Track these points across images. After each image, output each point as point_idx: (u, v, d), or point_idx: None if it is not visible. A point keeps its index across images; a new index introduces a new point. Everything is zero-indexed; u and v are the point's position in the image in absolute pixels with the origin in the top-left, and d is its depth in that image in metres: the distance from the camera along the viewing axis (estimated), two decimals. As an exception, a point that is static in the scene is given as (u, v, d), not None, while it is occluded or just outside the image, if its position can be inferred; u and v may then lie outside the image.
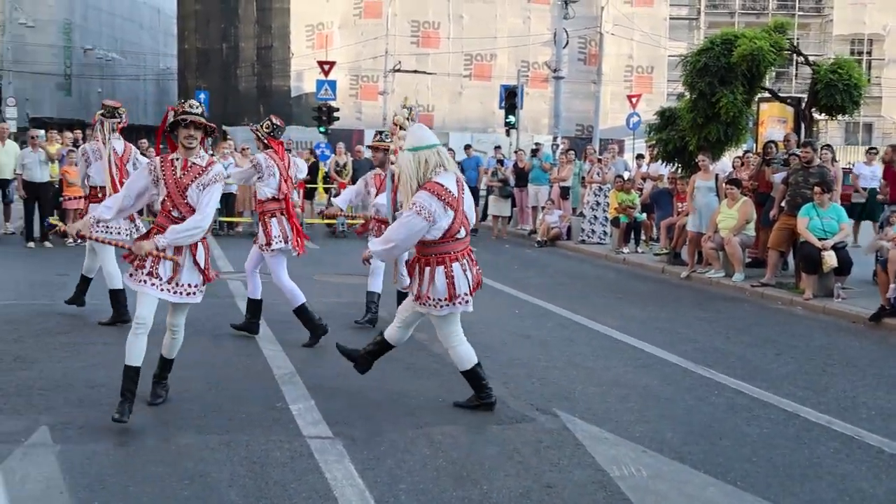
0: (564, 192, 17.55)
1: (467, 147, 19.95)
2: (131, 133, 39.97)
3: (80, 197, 8.40)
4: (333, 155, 19.06)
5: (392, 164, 7.68)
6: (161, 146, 6.06)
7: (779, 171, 11.79)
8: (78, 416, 5.20)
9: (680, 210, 13.37)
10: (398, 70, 36.07)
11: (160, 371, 5.55)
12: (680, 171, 13.57)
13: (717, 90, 12.05)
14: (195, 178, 5.11)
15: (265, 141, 7.52)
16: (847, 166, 24.69)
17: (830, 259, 9.87)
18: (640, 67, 40.14)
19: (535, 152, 19.13)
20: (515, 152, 20.32)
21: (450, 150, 19.73)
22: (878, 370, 7.23)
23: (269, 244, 7.32)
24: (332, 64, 27.52)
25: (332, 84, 26.90)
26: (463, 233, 5.51)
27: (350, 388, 5.98)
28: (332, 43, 36.87)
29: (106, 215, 5.22)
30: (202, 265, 5.23)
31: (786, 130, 13.71)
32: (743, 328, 8.88)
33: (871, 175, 15.90)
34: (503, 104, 26.11)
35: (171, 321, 5.43)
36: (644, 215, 15.21)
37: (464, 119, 38.73)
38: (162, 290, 5.10)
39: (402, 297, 6.51)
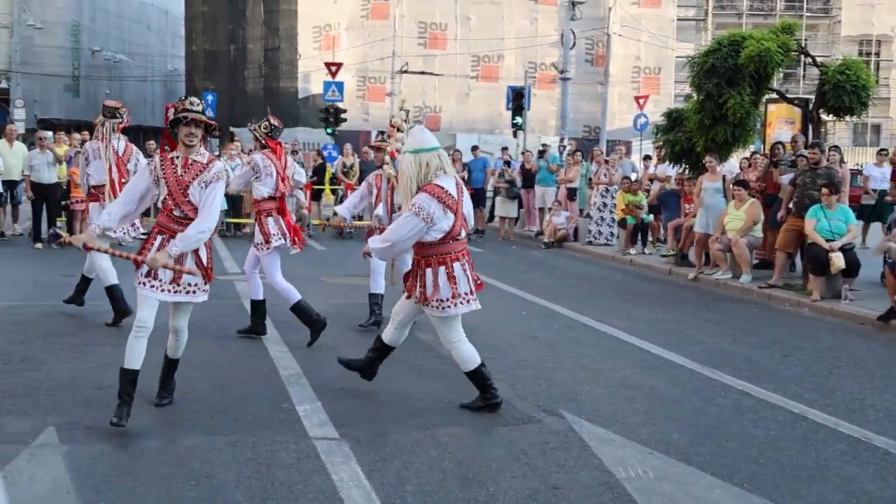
0: (571, 194, 17.53)
1: (474, 148, 19.95)
2: (139, 134, 40.16)
3: (82, 200, 8.45)
4: (340, 156, 19.09)
5: (386, 164, 7.72)
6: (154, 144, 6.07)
7: (786, 173, 11.76)
8: (85, 416, 5.21)
9: (687, 211, 13.35)
10: (405, 71, 36.08)
11: (166, 372, 5.52)
12: (687, 172, 13.55)
13: (725, 91, 12.02)
14: (196, 175, 5.07)
15: (263, 141, 7.57)
16: (855, 167, 24.63)
17: (838, 260, 9.84)
18: (647, 69, 40.09)
19: (541, 153, 19.12)
20: (522, 153, 20.32)
21: (456, 151, 19.88)
22: (886, 372, 7.20)
23: (267, 242, 7.33)
24: (339, 65, 27.59)
25: (340, 85, 26.96)
26: (463, 234, 5.57)
27: (356, 389, 5.98)
28: (339, 44, 36.93)
29: (110, 224, 5.17)
30: (205, 263, 5.19)
31: (793, 131, 13.67)
32: (750, 330, 8.86)
33: (882, 177, 15.87)
34: (510, 105, 26.13)
35: (174, 324, 5.35)
36: (651, 217, 15.18)
37: (471, 120, 38.74)
38: (162, 290, 5.06)
39: None
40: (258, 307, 7.64)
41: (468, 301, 5.52)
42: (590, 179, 17.05)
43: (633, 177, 16.28)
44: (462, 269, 5.50)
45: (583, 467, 4.66)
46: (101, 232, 5.17)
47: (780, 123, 15.22)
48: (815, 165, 10.74)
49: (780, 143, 12.84)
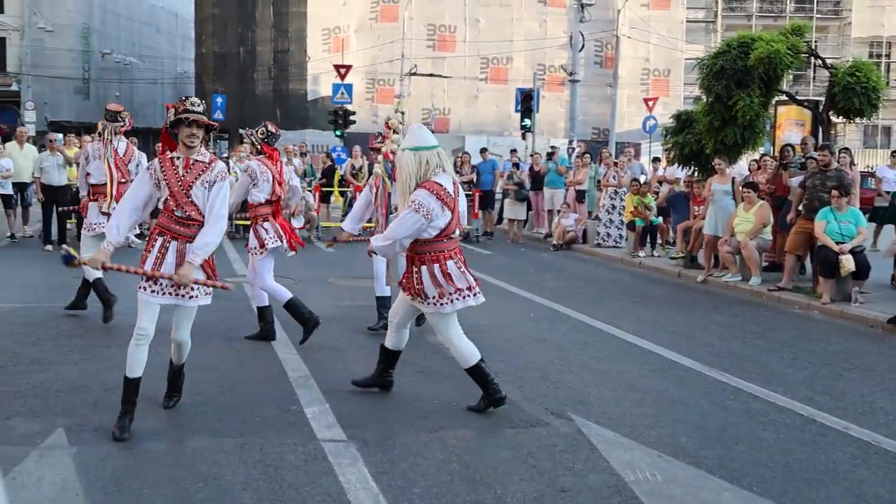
0: (580, 196, 17.51)
1: (483, 150, 19.95)
2: (148, 136, 40.27)
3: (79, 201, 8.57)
4: (349, 158, 19.11)
5: (377, 163, 7.73)
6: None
7: (796, 175, 11.72)
8: (93, 418, 5.23)
9: (696, 213, 13.31)
10: (414, 73, 36.10)
11: (173, 376, 5.49)
12: (696, 174, 13.51)
13: (734, 93, 11.98)
14: (199, 175, 5.01)
15: (259, 147, 7.58)
16: (866, 170, 24.54)
17: (848, 263, 9.80)
18: (656, 70, 40.06)
19: (550, 156, 19.10)
20: (531, 156, 20.32)
21: (465, 153, 19.88)
22: (896, 375, 7.17)
23: (262, 246, 7.35)
24: (348, 67, 27.62)
25: (349, 87, 27.00)
26: (457, 232, 5.61)
27: (364, 391, 5.98)
28: (348, 46, 36.98)
29: (120, 238, 5.04)
30: (208, 266, 5.11)
31: (803, 134, 13.62)
32: (759, 332, 8.82)
33: (895, 179, 15.79)
34: (519, 107, 26.12)
35: (177, 336, 5.24)
36: (660, 219, 15.15)
37: (480, 122, 38.77)
38: (165, 294, 4.99)
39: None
40: (265, 313, 7.66)
41: (465, 297, 5.53)
42: (598, 181, 17.03)
43: (643, 179, 16.25)
44: (456, 265, 5.52)
45: (591, 470, 4.65)
46: (113, 249, 5.01)
47: (790, 125, 15.16)
48: (824, 167, 10.70)
49: (789, 145, 12.79)
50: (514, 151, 20.26)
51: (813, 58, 13.74)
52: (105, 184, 8.23)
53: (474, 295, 5.59)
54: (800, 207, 11.03)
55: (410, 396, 5.93)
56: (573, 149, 22.61)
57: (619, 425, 5.42)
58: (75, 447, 4.73)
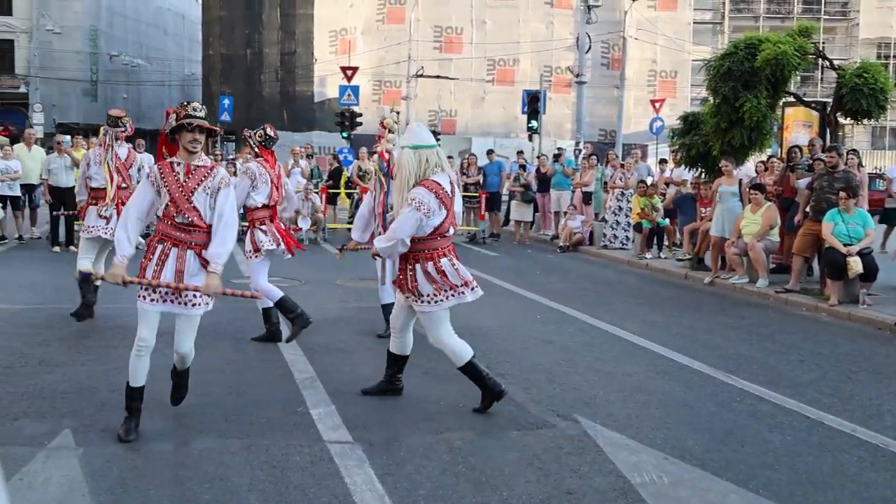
0: (587, 198, 17.50)
1: (490, 152, 19.94)
2: (155, 138, 40.50)
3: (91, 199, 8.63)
4: (356, 160, 19.13)
5: (372, 162, 7.74)
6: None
7: (803, 177, 11.69)
8: (100, 419, 5.24)
9: (703, 215, 13.29)
10: (421, 75, 36.15)
11: (178, 380, 5.36)
12: (703, 176, 13.49)
13: (741, 95, 11.96)
14: (201, 181, 4.94)
15: (256, 150, 7.60)
16: (874, 171, 24.45)
17: (856, 265, 9.77)
18: (663, 72, 40.02)
19: (557, 157, 19.08)
20: (538, 157, 20.30)
21: (472, 154, 19.88)
22: (904, 378, 7.13)
23: (257, 250, 7.37)
24: (354, 69, 27.66)
25: (355, 89, 27.04)
26: (451, 231, 5.63)
27: (370, 392, 5.99)
28: (355, 48, 37.05)
29: (131, 251, 4.91)
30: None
31: (811, 135, 13.59)
32: (766, 334, 8.80)
33: (906, 180, 15.76)
34: (526, 109, 26.12)
35: (180, 349, 5.09)
36: (667, 220, 15.13)
37: (486, 124, 38.77)
38: (165, 301, 4.91)
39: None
40: (270, 314, 7.67)
41: (460, 293, 5.55)
42: (605, 183, 17.02)
43: (649, 181, 16.25)
44: (450, 262, 5.54)
45: (597, 472, 4.64)
46: (127, 261, 4.91)
47: (798, 127, 15.15)
48: (832, 169, 10.67)
49: (797, 146, 12.76)
50: (520, 153, 20.25)
51: (820, 59, 13.71)
52: (105, 188, 8.28)
53: (471, 290, 5.59)
54: (807, 209, 11.00)
55: (416, 398, 5.93)
56: (580, 150, 22.58)
57: (626, 427, 5.41)
58: (82, 448, 4.75)
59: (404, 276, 5.57)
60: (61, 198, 14.36)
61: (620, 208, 16.02)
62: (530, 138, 26.49)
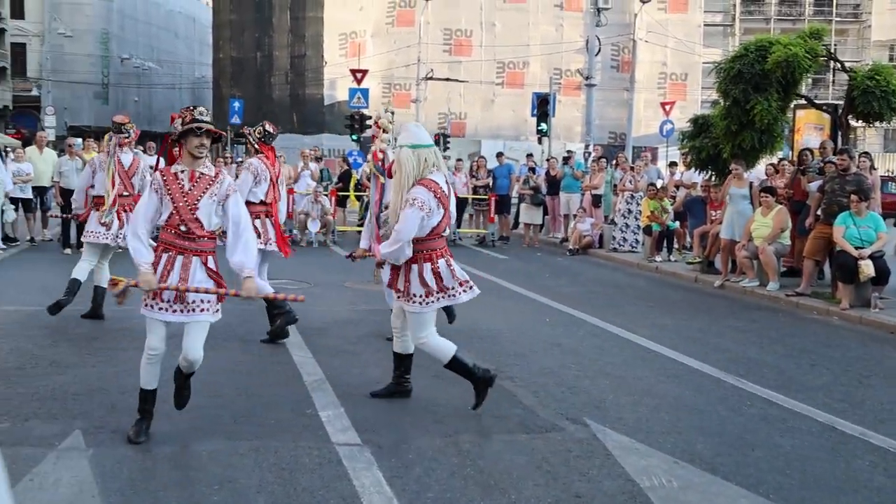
0: (596, 200, 17.46)
1: (499, 155, 19.94)
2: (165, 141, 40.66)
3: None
4: (366, 162, 19.12)
5: (367, 162, 7.77)
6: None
7: (814, 180, 11.64)
8: (110, 420, 5.25)
9: (713, 218, 13.24)
10: (430, 78, 36.19)
11: (180, 387, 5.18)
12: (714, 178, 13.45)
13: (752, 97, 11.92)
14: (206, 188, 4.85)
15: (256, 146, 7.64)
16: (886, 174, 24.32)
17: (867, 268, 9.72)
18: (673, 74, 39.95)
19: (566, 160, 19.06)
20: (547, 160, 20.27)
21: (481, 157, 19.88)
22: (916, 382, 7.09)
23: None
24: (364, 72, 27.70)
25: (365, 92, 27.08)
26: (447, 231, 5.64)
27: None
28: (364, 51, 37.13)
29: (150, 257, 4.82)
30: (216, 276, 4.93)
31: (822, 138, 13.53)
32: (777, 338, 8.76)
33: (921, 184, 15.68)
34: (535, 112, 26.09)
35: (190, 353, 4.90)
36: (677, 223, 15.09)
37: (496, 127, 38.78)
38: (173, 311, 4.82)
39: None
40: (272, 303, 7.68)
41: (453, 295, 5.56)
42: (615, 186, 16.99)
43: (659, 183, 16.20)
44: (446, 263, 5.55)
45: (606, 476, 4.62)
46: (151, 268, 4.79)
47: (809, 129, 15.08)
48: (843, 172, 10.62)
49: (808, 149, 12.71)
50: (530, 156, 20.24)
51: (832, 61, 13.65)
52: (105, 195, 8.34)
53: (464, 291, 5.59)
54: (818, 212, 10.95)
55: (425, 401, 5.92)
56: (589, 153, 22.56)
57: (635, 431, 5.39)
58: (92, 449, 4.76)
59: (396, 276, 5.56)
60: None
61: (630, 211, 15.99)
62: (540, 141, 26.45)
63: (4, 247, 14.11)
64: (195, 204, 4.82)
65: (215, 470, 4.52)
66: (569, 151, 22.44)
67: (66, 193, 14.50)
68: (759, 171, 13.88)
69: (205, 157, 4.92)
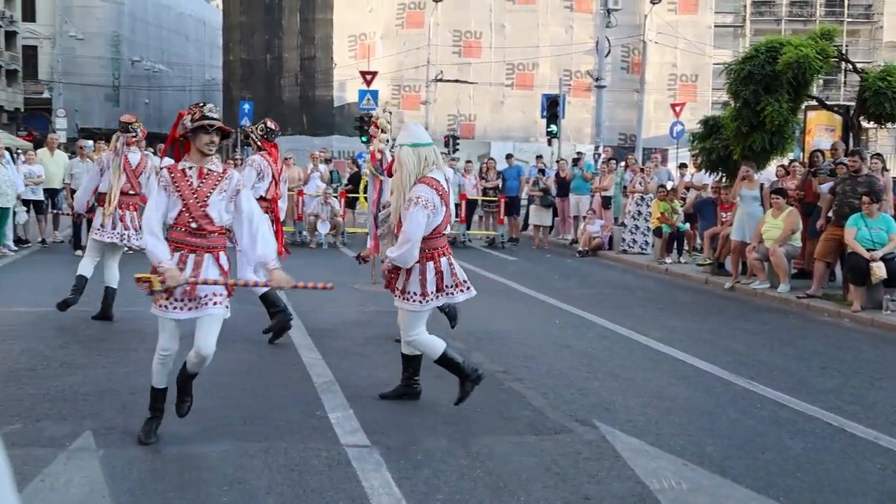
0: (606, 202, 17.45)
1: (509, 156, 19.94)
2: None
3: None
4: (365, 163, 19.16)
5: (365, 162, 7.79)
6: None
7: (826, 181, 11.59)
8: (121, 421, 5.27)
9: (724, 220, 13.21)
10: (440, 80, 36.20)
11: (184, 382, 5.09)
12: (724, 180, 13.41)
13: (762, 98, 11.89)
14: (215, 185, 4.80)
15: (259, 143, 7.67)
16: (898, 175, 24.12)
17: (879, 270, 9.67)
18: (683, 76, 39.85)
19: (576, 161, 19.03)
20: (557, 162, 20.27)
21: (491, 159, 19.87)
22: (928, 384, 7.04)
23: None
24: (374, 74, 27.74)
25: (375, 94, 27.12)
26: (448, 229, 5.65)
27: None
28: (374, 53, 37.18)
29: (169, 254, 4.73)
30: (226, 269, 4.91)
31: (834, 139, 13.47)
32: (788, 340, 8.72)
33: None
34: (545, 113, 26.09)
35: (202, 352, 4.82)
36: (687, 225, 15.05)
37: (505, 128, 38.77)
38: (189, 308, 4.75)
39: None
40: (267, 300, 7.69)
41: (450, 294, 5.57)
42: (625, 187, 16.96)
43: (670, 185, 16.17)
44: (448, 262, 5.56)
45: (615, 478, 4.61)
46: (173, 265, 4.70)
47: (820, 131, 15.03)
48: (855, 173, 10.57)
49: (819, 151, 12.67)
50: (539, 157, 20.25)
51: (843, 62, 13.60)
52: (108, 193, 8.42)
53: (461, 291, 5.60)
54: (830, 214, 10.91)
55: (434, 402, 5.92)
56: (599, 155, 22.54)
57: (645, 433, 5.37)
58: (102, 450, 4.77)
59: (396, 276, 5.54)
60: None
61: (640, 213, 15.96)
62: (549, 142, 26.44)
63: (16, 248, 14.19)
64: (205, 200, 4.78)
65: (225, 471, 4.53)
66: (578, 153, 22.42)
67: (78, 195, 14.61)
68: (770, 172, 13.83)
69: (213, 154, 4.88)
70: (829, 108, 14.19)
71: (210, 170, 4.84)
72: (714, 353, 7.89)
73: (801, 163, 13.51)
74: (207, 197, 4.79)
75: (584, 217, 17.25)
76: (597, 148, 24.52)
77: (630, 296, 11.61)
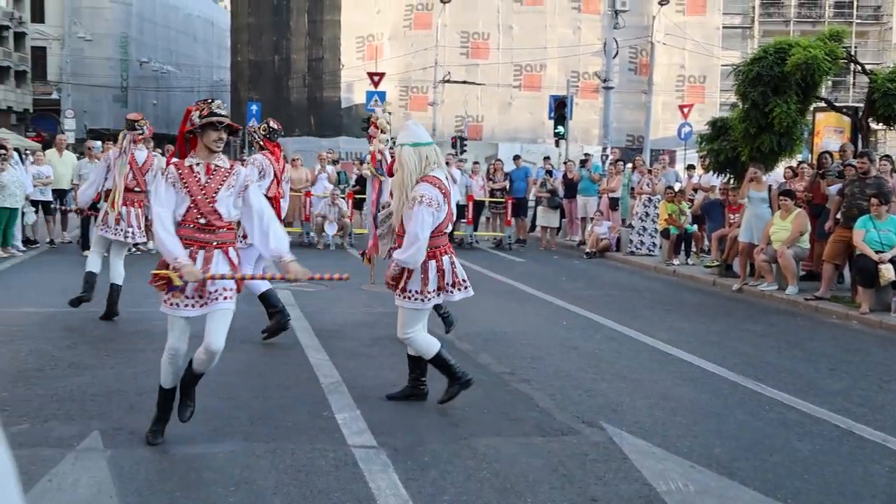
0: (614, 203, 17.42)
1: (516, 157, 19.91)
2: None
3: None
4: (365, 164, 19.14)
5: (366, 163, 7.80)
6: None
7: (834, 183, 11.55)
8: (128, 422, 5.28)
9: (731, 221, 13.17)
10: (448, 81, 36.20)
11: (188, 384, 5.03)
12: (732, 181, 13.38)
13: (771, 100, 11.85)
14: (223, 180, 4.79)
15: (261, 143, 7.71)
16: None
17: (888, 272, 9.64)
18: (691, 77, 39.80)
19: (583, 163, 19.01)
20: (564, 163, 20.24)
21: (498, 160, 19.87)
22: (937, 387, 7.01)
23: (245, 236, 7.43)
24: (381, 75, 27.74)
25: (382, 95, 27.10)
26: (450, 227, 5.66)
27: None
28: (382, 54, 37.22)
29: (182, 248, 4.69)
30: (236, 265, 4.89)
31: (842, 140, 13.43)
32: (796, 342, 8.70)
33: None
34: (552, 115, 26.06)
35: (213, 344, 4.76)
36: (695, 227, 15.02)
37: (513, 130, 38.76)
38: (201, 305, 4.76)
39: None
40: (267, 300, 7.69)
41: (450, 292, 5.58)
42: (632, 189, 16.94)
43: (677, 186, 16.14)
44: (450, 261, 5.57)
45: (622, 480, 4.60)
46: (188, 259, 4.65)
47: (829, 132, 14.99)
48: (863, 175, 10.54)
49: (827, 152, 12.63)
50: (547, 159, 20.23)
51: (852, 63, 13.55)
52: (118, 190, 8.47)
53: (459, 290, 5.62)
54: (838, 216, 10.87)
55: (441, 404, 5.92)
56: (607, 156, 22.50)
57: (652, 435, 5.36)
58: (110, 450, 4.78)
59: (401, 277, 5.54)
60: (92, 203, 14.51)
61: (647, 214, 15.93)
62: (557, 144, 26.42)
63: (24, 249, 14.24)
64: (213, 196, 4.76)
65: (232, 471, 4.54)
66: (586, 154, 22.40)
67: (87, 196, 14.65)
68: (778, 174, 13.79)
69: (220, 151, 4.86)
70: (838, 110, 14.14)
71: (217, 166, 4.83)
72: (722, 354, 7.88)
73: (810, 164, 13.46)
74: (216, 192, 4.77)
75: (592, 218, 17.22)
76: (604, 149, 24.49)
77: (637, 297, 11.59)
